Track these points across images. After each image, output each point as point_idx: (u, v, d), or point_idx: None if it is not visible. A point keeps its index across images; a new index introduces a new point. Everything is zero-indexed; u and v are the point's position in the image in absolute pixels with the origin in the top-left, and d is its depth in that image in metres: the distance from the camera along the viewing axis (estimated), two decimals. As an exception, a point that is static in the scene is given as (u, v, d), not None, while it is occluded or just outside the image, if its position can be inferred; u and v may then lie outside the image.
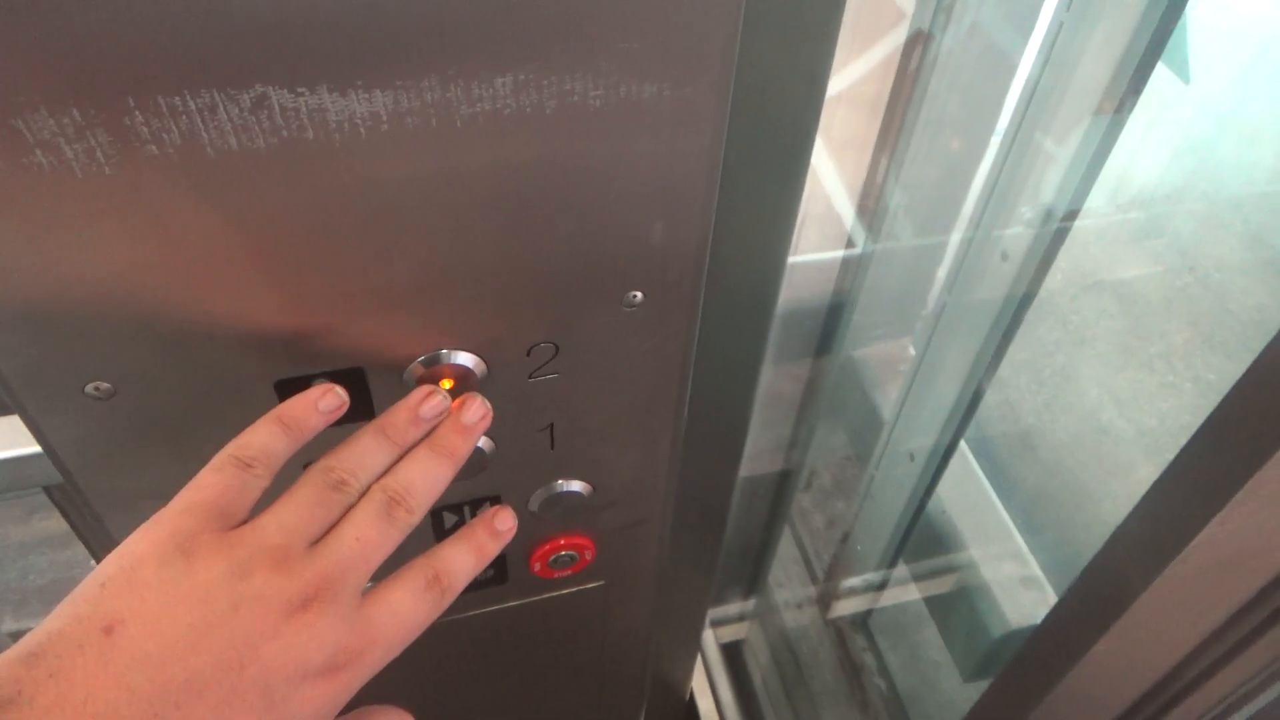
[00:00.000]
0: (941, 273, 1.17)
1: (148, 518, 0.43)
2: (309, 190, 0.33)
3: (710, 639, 1.58)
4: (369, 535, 0.35)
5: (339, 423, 0.38)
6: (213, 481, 0.35)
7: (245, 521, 0.35)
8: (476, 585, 0.51)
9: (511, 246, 0.38)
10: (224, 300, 0.36)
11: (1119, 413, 2.01)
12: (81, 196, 0.31)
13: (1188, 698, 0.55)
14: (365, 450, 0.37)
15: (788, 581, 1.57)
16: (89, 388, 0.36)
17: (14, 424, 0.81)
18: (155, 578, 0.32)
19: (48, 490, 1.01)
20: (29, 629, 0.32)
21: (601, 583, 0.59)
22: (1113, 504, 1.77)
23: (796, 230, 1.14)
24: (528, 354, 0.42)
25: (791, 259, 1.18)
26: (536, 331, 0.41)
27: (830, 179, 1.20)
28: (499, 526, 0.41)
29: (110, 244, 0.32)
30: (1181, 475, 0.42)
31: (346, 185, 0.34)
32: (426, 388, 0.40)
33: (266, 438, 0.36)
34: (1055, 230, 0.91)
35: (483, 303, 0.39)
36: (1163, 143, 1.79)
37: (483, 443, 0.45)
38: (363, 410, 0.41)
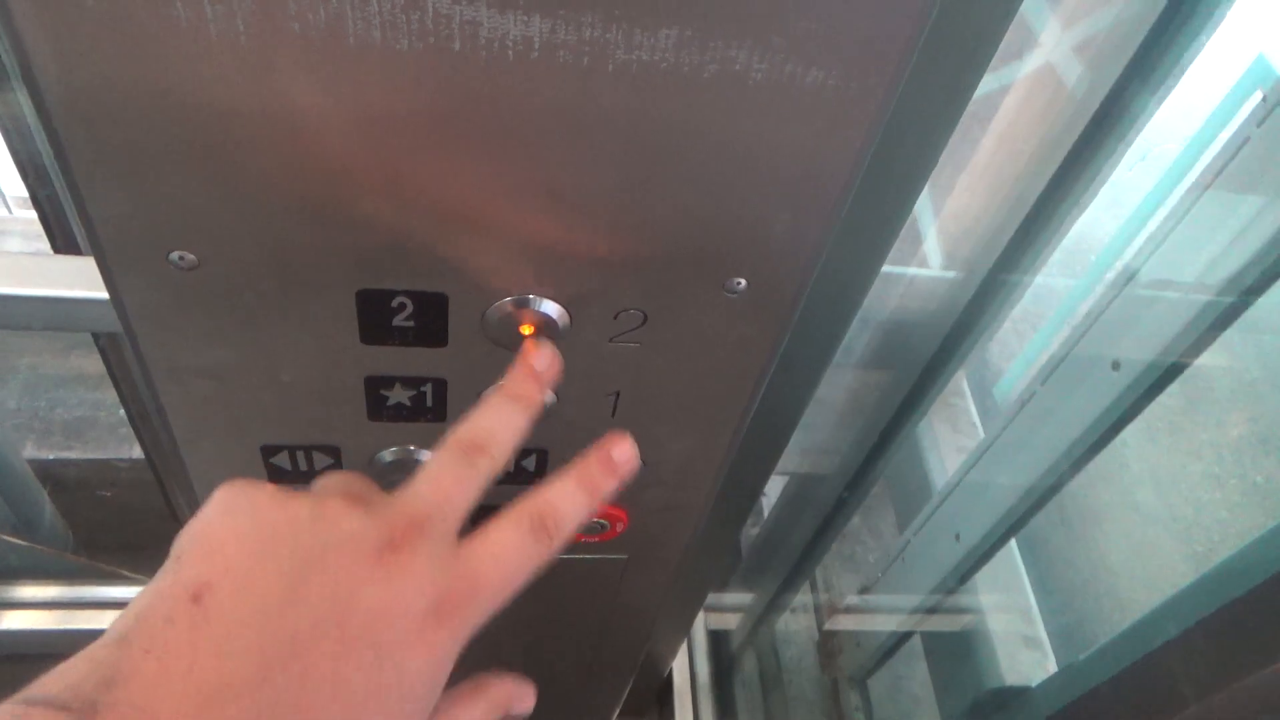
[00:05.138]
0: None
1: (194, 393, 0.42)
2: (438, 101, 0.31)
3: (700, 621, 1.57)
4: (444, 480, 0.34)
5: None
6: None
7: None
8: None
9: (626, 205, 0.36)
10: (326, 195, 0.34)
11: (1156, 493, 1.96)
12: (211, 58, 0.29)
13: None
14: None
15: (791, 587, 1.55)
16: (173, 255, 0.35)
17: (87, 266, 0.80)
18: (231, 533, 0.31)
19: (96, 335, 1.01)
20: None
21: (624, 556, 0.58)
22: (1129, 582, 1.74)
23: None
24: (615, 317, 0.40)
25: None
26: (629, 296, 0.39)
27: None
28: (616, 457, 0.36)
29: (229, 114, 0.31)
30: (1262, 603, 0.39)
31: (477, 106, 0.32)
32: (530, 341, 0.39)
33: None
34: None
35: (581, 255, 0.37)
36: None
37: (545, 394, 0.44)
38: (437, 338, 0.40)
